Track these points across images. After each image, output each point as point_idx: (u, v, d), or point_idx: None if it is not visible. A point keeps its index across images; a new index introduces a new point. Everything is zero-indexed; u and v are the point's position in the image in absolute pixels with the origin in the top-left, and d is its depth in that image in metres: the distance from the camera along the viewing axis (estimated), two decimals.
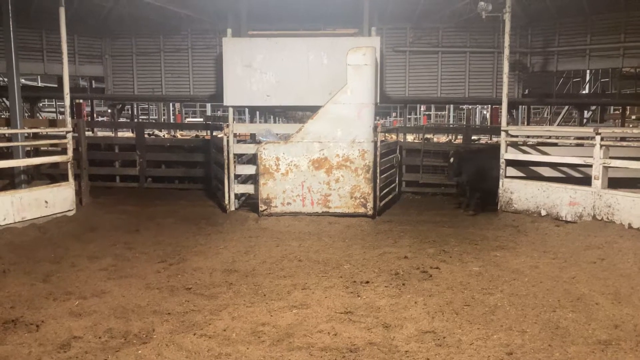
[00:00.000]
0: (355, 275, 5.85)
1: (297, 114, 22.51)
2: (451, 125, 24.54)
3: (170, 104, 23.81)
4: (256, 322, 4.56)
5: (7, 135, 11.31)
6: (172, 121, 26.16)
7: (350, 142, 9.05)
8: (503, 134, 9.26)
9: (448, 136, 20.95)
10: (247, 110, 22.52)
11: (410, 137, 16.39)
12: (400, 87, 13.34)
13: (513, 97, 12.71)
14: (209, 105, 28.56)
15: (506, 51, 9.15)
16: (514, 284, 5.50)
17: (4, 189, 8.62)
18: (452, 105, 25.00)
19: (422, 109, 27.57)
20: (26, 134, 10.41)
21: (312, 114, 9.31)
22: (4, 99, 18.07)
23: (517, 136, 9.80)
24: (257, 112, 21.95)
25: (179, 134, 21.07)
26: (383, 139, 9.99)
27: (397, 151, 11.31)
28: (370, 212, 9.07)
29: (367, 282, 5.59)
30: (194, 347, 4.06)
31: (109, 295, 5.21)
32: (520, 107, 17.06)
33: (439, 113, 29.96)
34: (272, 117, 21.98)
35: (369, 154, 9.08)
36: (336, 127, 9.07)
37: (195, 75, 13.60)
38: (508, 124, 9.55)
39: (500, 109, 9.74)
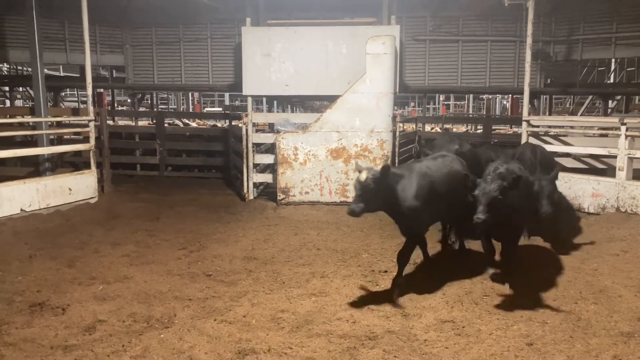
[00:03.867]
0: (374, 265, 5.85)
1: (314, 104, 22.41)
2: (471, 115, 24.25)
3: (190, 94, 23.94)
4: (275, 309, 4.62)
5: (31, 123, 11.56)
6: (191, 111, 26.37)
7: (368, 132, 9.02)
8: (524, 124, 9.11)
9: (467, 126, 20.70)
10: (264, 100, 22.61)
11: (428, 128, 16.24)
12: (420, 77, 13.18)
13: (535, 87, 12.44)
14: (227, 95, 28.69)
15: (529, 40, 8.96)
16: (532, 275, 5.45)
17: (30, 176, 8.82)
18: (471, 95, 24.66)
19: (441, 98, 27.25)
20: (50, 123, 10.60)
21: (330, 104, 9.29)
22: (28, 88, 18.42)
23: (538, 126, 9.64)
24: (275, 102, 21.98)
25: (196, 123, 21.24)
26: (402, 129, 9.92)
27: (416, 141, 11.23)
28: None
29: (386, 271, 5.59)
30: (215, 333, 4.13)
31: (132, 281, 5.31)
32: (542, 97, 16.72)
33: (458, 103, 29.58)
34: (289, 106, 21.98)
35: (388, 143, 9.03)
36: (354, 117, 9.04)
37: (214, 64, 13.64)
38: (529, 114, 9.39)
39: (522, 98, 9.58)
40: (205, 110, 28.41)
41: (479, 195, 4.47)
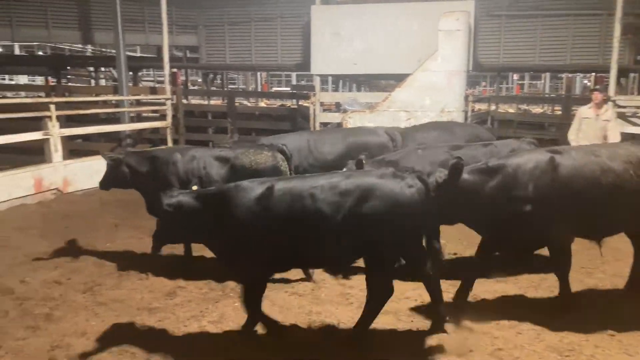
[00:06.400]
0: (443, 247, 5.76)
1: (380, 83, 22.08)
2: (548, 95, 22.92)
3: (258, 74, 24.38)
4: (344, 284, 4.69)
5: (114, 102, 12.31)
6: (258, 90, 26.88)
7: (438, 112, 8.80)
8: (610, 104, 8.50)
9: (543, 107, 19.59)
10: (330, 79, 22.58)
11: (501, 108, 15.55)
12: (494, 54, 12.60)
13: (623, 64, 11.54)
14: (294, 75, 28.92)
15: (618, 13, 8.30)
16: (617, 265, 5.15)
17: (112, 150, 9.44)
18: (548, 74, 23.24)
19: (514, 77, 25.91)
20: (130, 101, 11.24)
21: (397, 83, 9.15)
22: (111, 69, 19.54)
23: (625, 107, 8.96)
24: (341, 82, 21.91)
25: (264, 103, 21.66)
26: (474, 108, 9.59)
27: (489, 122, 10.82)
28: None
29: (455, 253, 5.51)
30: (286, 304, 4.29)
31: (208, 253, 5.57)
32: (630, 75, 15.47)
33: (533, 82, 27.98)
34: (355, 86, 21.83)
35: None
36: (424, 96, 8.86)
37: (283, 44, 13.78)
38: (616, 93, 8.75)
39: (606, 77, 8.93)
40: (272, 90, 28.86)
41: None
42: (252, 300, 3.70)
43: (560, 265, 4.12)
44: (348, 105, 9.87)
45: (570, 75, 19.44)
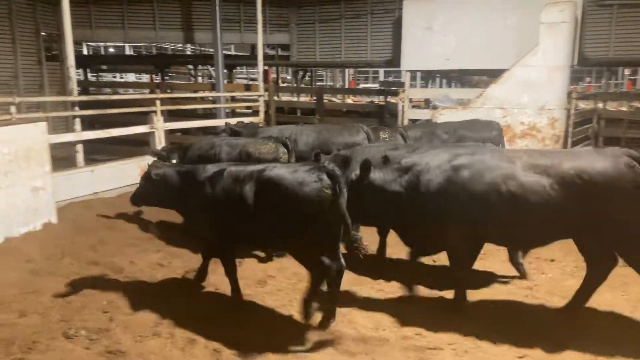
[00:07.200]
0: (539, 252, 5.43)
1: (472, 79, 21.23)
2: None
3: (346, 70, 24.53)
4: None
5: (210, 98, 13.02)
6: (346, 87, 27.02)
7: (537, 109, 8.31)
8: None
9: None
10: (418, 75, 22.15)
11: (610, 105, 14.30)
12: (603, 47, 11.58)
13: None
14: (381, 71, 28.73)
15: None
16: None
17: None
18: None
19: (625, 72, 23.62)
20: (226, 98, 11.81)
21: (491, 79, 8.75)
22: (209, 67, 20.66)
23: None
24: (429, 79, 21.39)
25: (351, 100, 21.72)
26: (577, 106, 8.92)
27: (594, 121, 9.99)
28: None
29: (553, 260, 5.18)
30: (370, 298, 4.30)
31: None
32: None
33: None
34: (444, 82, 21.20)
35: (560, 122, 8.23)
36: (522, 92, 8.40)
37: (373, 40, 13.74)
38: None
39: None
40: (360, 87, 28.88)
41: None
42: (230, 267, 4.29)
43: (451, 264, 4.08)
44: (439, 101, 9.61)
45: None
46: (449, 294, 4.21)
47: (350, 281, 4.53)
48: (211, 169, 4.14)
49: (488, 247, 5.43)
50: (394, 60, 12.50)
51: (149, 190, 4.52)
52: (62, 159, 7.82)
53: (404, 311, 4.03)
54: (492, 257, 5.14)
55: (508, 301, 4.27)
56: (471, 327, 3.76)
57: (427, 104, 13.21)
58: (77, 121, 7.93)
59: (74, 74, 7.90)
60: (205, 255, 4.59)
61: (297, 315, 4.01)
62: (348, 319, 3.94)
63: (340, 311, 3.92)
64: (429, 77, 21.28)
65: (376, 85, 27.31)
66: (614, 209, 3.50)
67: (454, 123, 7.29)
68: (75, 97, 7.93)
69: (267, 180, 3.72)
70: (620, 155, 3.59)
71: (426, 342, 3.63)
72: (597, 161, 3.56)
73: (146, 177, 4.52)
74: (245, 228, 3.93)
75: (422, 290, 4.45)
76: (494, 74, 8.80)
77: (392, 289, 4.51)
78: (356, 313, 4.04)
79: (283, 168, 3.80)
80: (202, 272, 4.61)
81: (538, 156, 3.79)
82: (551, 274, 4.85)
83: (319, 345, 3.59)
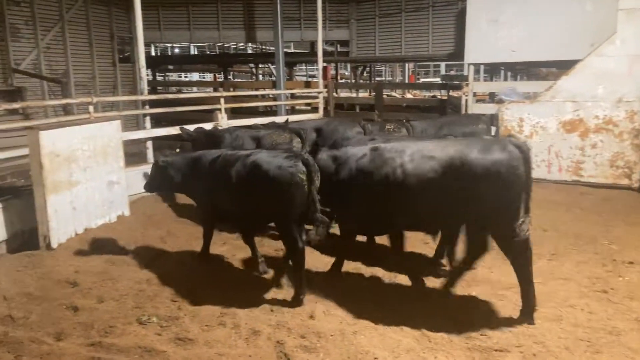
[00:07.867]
0: (616, 254, 5.12)
1: (540, 72, 20.20)
2: None
3: (406, 65, 24.18)
4: (498, 287, 4.44)
5: (271, 95, 13.25)
6: (406, 82, 26.63)
7: (614, 102, 7.79)
8: None
9: None
10: (482, 68, 21.40)
11: None
12: None
13: None
14: (442, 65, 28.07)
15: None
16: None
17: None
18: None
19: None
20: (286, 95, 11.98)
21: (560, 71, 8.31)
22: (270, 65, 21.07)
23: None
24: (493, 72, 20.57)
25: (412, 94, 21.38)
26: None
27: None
28: (636, 185, 7.75)
29: (632, 262, 4.85)
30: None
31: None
32: None
33: None
34: (509, 75, 20.30)
35: None
36: (597, 84, 7.91)
37: (434, 33, 13.45)
38: None
39: None
40: (420, 81, 28.37)
41: None
42: (207, 234, 5.12)
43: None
44: (505, 95, 9.23)
45: None
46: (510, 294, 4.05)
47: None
48: (210, 155, 4.77)
49: (559, 249, 5.22)
50: (457, 54, 12.16)
51: (158, 177, 5.17)
52: (132, 154, 8.25)
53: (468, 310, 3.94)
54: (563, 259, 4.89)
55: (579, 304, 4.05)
56: (537, 330, 3.61)
57: (492, 97, 12.76)
58: (147, 119, 8.33)
59: (145, 75, 8.28)
60: (205, 227, 5.16)
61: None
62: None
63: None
64: (493, 70, 20.48)
65: (437, 80, 26.68)
66: None
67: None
68: (146, 97, 8.32)
69: (251, 163, 4.27)
70: None
71: (492, 343, 3.51)
72: None
73: (154, 165, 5.19)
74: (229, 205, 4.56)
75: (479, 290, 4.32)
76: (564, 66, 8.34)
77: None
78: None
79: (266, 153, 4.38)
80: (253, 250, 4.96)
81: (433, 144, 3.99)
82: (629, 277, 4.54)
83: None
